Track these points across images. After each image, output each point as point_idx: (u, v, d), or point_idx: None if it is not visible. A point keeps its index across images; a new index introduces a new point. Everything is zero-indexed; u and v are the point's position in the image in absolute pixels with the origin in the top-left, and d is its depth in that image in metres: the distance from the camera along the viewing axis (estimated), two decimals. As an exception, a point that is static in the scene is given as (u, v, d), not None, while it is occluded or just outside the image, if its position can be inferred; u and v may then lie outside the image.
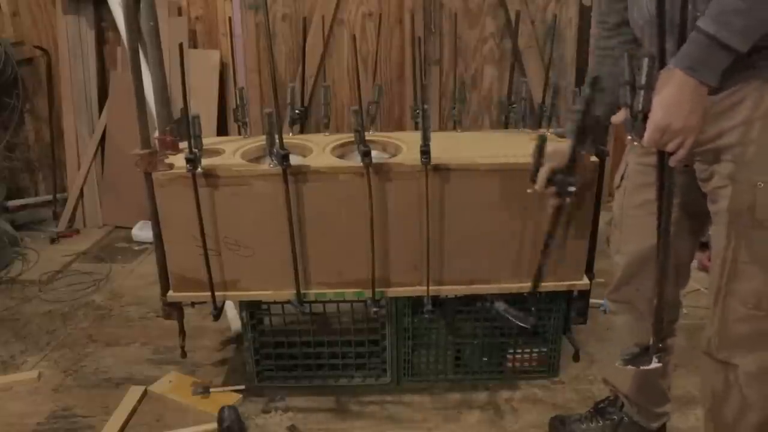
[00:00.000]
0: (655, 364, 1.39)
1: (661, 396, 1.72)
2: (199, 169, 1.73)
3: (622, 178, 1.57)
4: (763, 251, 1.28)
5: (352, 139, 1.82)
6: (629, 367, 1.41)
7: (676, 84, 1.16)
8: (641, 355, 1.40)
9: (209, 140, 1.98)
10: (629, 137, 1.26)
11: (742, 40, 1.11)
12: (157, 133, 1.84)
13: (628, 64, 1.19)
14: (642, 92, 1.18)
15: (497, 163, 1.78)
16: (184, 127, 1.72)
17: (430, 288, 1.85)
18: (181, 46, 1.74)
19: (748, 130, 1.24)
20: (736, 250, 1.31)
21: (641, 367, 1.41)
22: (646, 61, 1.17)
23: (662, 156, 1.22)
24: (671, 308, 1.61)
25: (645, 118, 1.19)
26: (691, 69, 1.14)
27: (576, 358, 2.08)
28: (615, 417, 1.76)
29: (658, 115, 1.17)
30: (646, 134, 1.19)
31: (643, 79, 1.18)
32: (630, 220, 1.55)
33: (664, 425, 1.77)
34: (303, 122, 2.34)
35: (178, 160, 1.78)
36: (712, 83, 1.16)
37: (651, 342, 1.38)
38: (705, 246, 2.04)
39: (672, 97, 1.16)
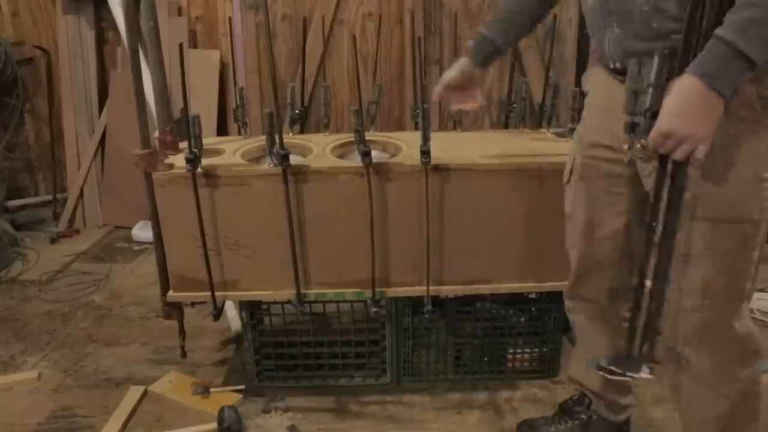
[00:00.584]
0: (645, 374, 1.29)
1: (626, 387, 1.72)
2: (199, 169, 1.73)
3: (570, 173, 1.55)
4: (704, 242, 1.27)
5: (352, 139, 1.83)
6: (612, 376, 1.31)
7: (684, 90, 1.13)
8: (621, 361, 1.31)
9: (209, 140, 1.98)
10: (631, 141, 1.21)
11: (760, 50, 1.09)
12: (157, 133, 1.84)
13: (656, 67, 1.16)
14: (651, 90, 1.16)
15: (497, 163, 1.78)
16: (184, 127, 1.72)
17: (430, 288, 1.84)
18: (181, 46, 1.74)
19: None
20: (681, 240, 1.28)
21: (627, 374, 1.30)
22: (656, 60, 1.15)
23: (663, 160, 1.18)
24: (627, 297, 1.60)
25: (653, 116, 1.15)
26: (706, 76, 1.11)
27: (576, 358, 2.07)
28: (584, 416, 1.75)
29: (662, 120, 1.14)
30: (651, 135, 1.16)
31: (653, 77, 1.15)
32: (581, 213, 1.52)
33: (628, 419, 1.77)
34: (303, 122, 2.35)
35: (178, 160, 1.78)
36: (724, 92, 1.12)
37: (638, 348, 1.30)
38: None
39: (678, 105, 1.13)
